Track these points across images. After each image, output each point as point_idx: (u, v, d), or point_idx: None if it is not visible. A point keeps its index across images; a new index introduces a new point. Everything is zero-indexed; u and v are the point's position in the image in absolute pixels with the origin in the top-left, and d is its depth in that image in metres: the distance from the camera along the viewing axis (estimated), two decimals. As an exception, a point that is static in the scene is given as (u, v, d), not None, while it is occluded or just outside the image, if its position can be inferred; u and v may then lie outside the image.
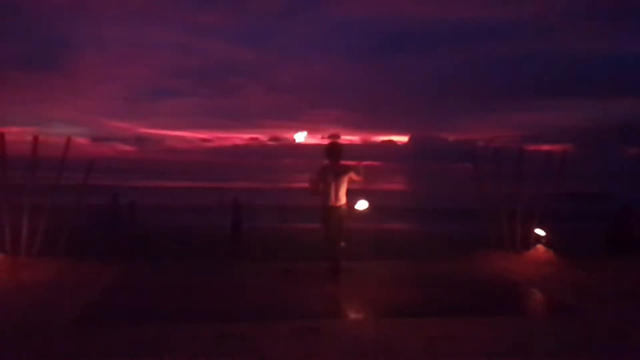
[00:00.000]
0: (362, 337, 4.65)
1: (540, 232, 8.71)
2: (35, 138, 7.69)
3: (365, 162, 7.46)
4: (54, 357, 4.11)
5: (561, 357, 4.36)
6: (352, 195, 7.14)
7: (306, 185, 7.04)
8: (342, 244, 6.94)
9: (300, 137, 8.23)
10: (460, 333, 4.79)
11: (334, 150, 6.96)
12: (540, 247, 8.66)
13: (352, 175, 6.94)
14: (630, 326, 5.15)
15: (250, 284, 6.74)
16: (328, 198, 6.89)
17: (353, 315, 5.60)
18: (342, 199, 6.96)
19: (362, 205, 7.19)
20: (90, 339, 4.54)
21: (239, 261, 8.15)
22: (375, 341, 4.54)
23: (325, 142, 7.13)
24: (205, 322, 5.06)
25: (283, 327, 4.89)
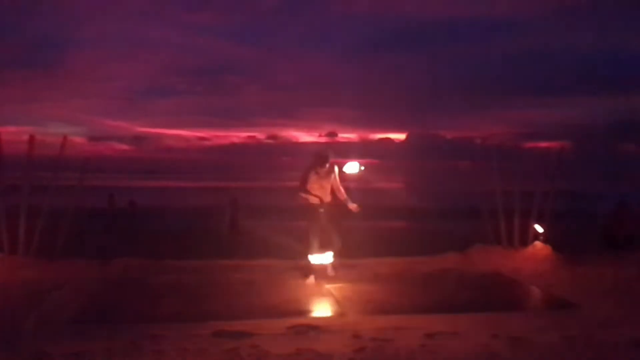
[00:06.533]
0: (360, 334, 4.66)
1: (538, 228, 8.72)
2: (32, 137, 7.66)
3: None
4: (54, 357, 4.10)
5: (559, 352, 4.37)
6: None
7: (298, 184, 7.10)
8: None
9: (352, 168, 7.74)
10: (458, 329, 4.80)
11: (325, 156, 7.01)
12: (537, 243, 8.66)
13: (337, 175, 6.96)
14: (627, 320, 5.18)
15: (248, 282, 6.75)
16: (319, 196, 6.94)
17: (351, 312, 5.60)
18: (330, 197, 6.99)
19: (351, 167, 6.97)
20: (88, 338, 4.54)
21: (237, 259, 8.14)
22: (373, 338, 4.54)
23: (322, 140, 7.15)
24: (203, 320, 5.06)
25: (281, 324, 4.90)
